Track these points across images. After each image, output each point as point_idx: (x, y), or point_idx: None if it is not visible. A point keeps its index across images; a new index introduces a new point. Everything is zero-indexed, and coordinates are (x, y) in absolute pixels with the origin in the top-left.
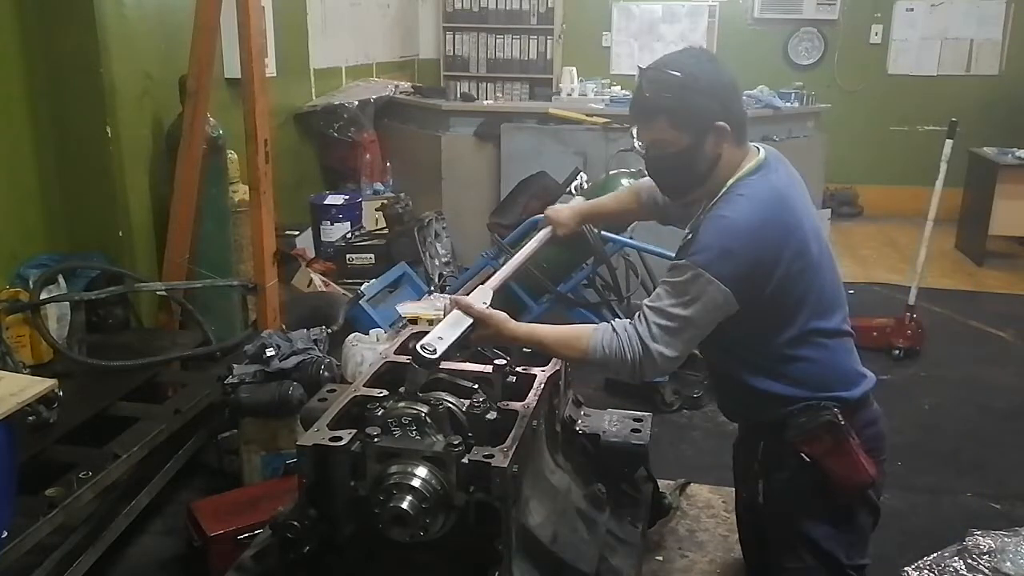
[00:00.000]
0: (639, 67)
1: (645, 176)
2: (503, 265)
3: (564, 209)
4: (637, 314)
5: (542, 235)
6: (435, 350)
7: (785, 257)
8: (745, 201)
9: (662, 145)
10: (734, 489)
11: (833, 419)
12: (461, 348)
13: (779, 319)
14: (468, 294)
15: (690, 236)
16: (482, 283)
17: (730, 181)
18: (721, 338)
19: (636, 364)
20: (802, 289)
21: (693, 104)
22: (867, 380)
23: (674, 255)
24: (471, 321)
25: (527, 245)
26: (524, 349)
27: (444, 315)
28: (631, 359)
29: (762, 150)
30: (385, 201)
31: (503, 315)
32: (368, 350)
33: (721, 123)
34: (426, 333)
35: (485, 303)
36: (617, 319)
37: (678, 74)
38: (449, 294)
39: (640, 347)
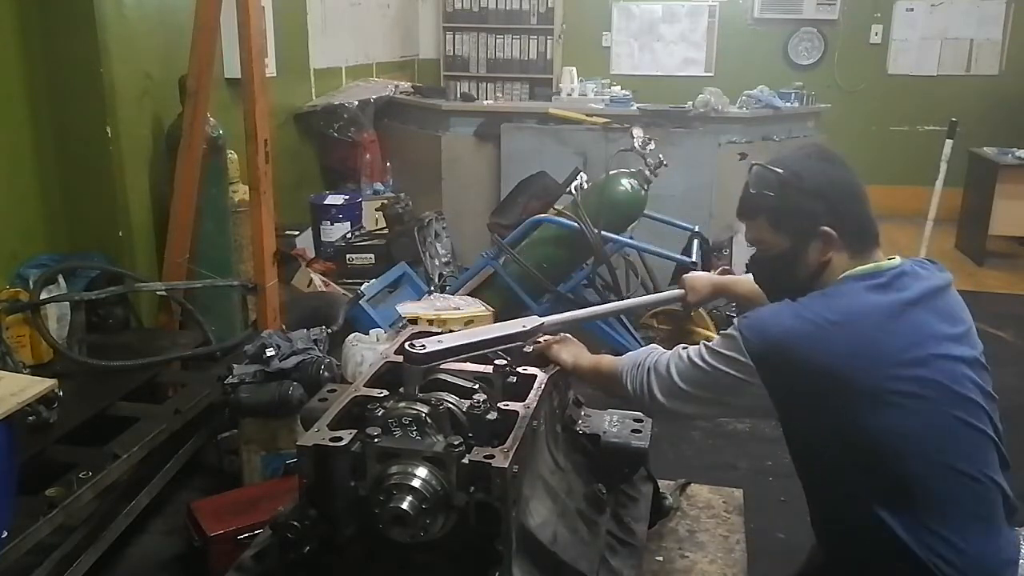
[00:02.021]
0: (743, 154)
1: (645, 179)
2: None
3: (699, 278)
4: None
5: (671, 294)
6: (424, 347)
7: (851, 379)
8: (819, 301)
9: (763, 246)
10: (739, 490)
11: None
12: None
13: (873, 472)
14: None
15: None
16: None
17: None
18: (825, 475)
19: (648, 370)
20: (889, 431)
21: (793, 205)
22: None
23: (676, 255)
24: (491, 336)
25: (648, 296)
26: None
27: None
28: (645, 365)
29: (903, 261)
30: (385, 201)
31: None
32: (368, 350)
33: (827, 228)
34: (426, 333)
35: (524, 327)
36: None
37: (780, 171)
38: (449, 294)
39: (657, 357)
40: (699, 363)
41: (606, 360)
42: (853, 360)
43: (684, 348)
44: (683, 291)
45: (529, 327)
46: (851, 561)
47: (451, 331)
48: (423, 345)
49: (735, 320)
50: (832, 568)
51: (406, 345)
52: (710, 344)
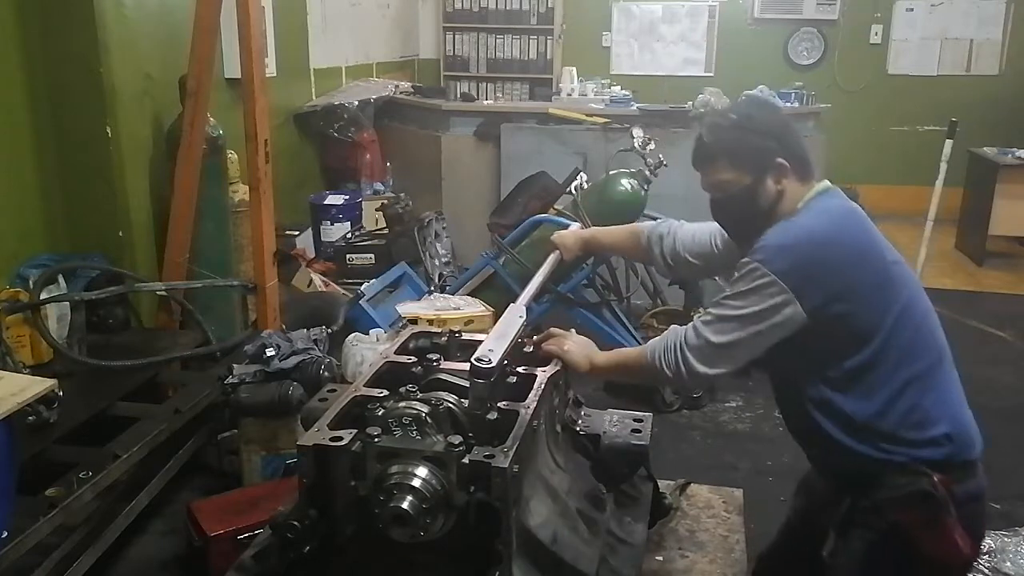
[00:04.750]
0: (698, 120)
1: (645, 179)
2: (527, 280)
3: (569, 235)
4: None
5: (552, 260)
6: (490, 360)
7: (858, 269)
8: (810, 213)
9: (725, 186)
10: (739, 490)
11: (931, 489)
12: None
13: (863, 342)
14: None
15: None
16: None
17: (798, 206)
18: (804, 373)
19: (679, 348)
20: (882, 311)
21: (750, 143)
22: (976, 441)
23: None
24: (515, 331)
25: (542, 268)
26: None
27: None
28: (674, 344)
29: (831, 184)
30: (385, 201)
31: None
32: (368, 350)
33: (780, 160)
34: (426, 332)
35: (521, 317)
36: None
37: (733, 116)
38: (449, 294)
39: (683, 333)
40: (729, 312)
41: (627, 354)
42: (862, 250)
43: (700, 313)
44: (558, 252)
45: (524, 314)
46: (836, 456)
47: (453, 332)
48: (488, 360)
49: (744, 259)
50: (823, 471)
51: (472, 360)
52: (728, 294)
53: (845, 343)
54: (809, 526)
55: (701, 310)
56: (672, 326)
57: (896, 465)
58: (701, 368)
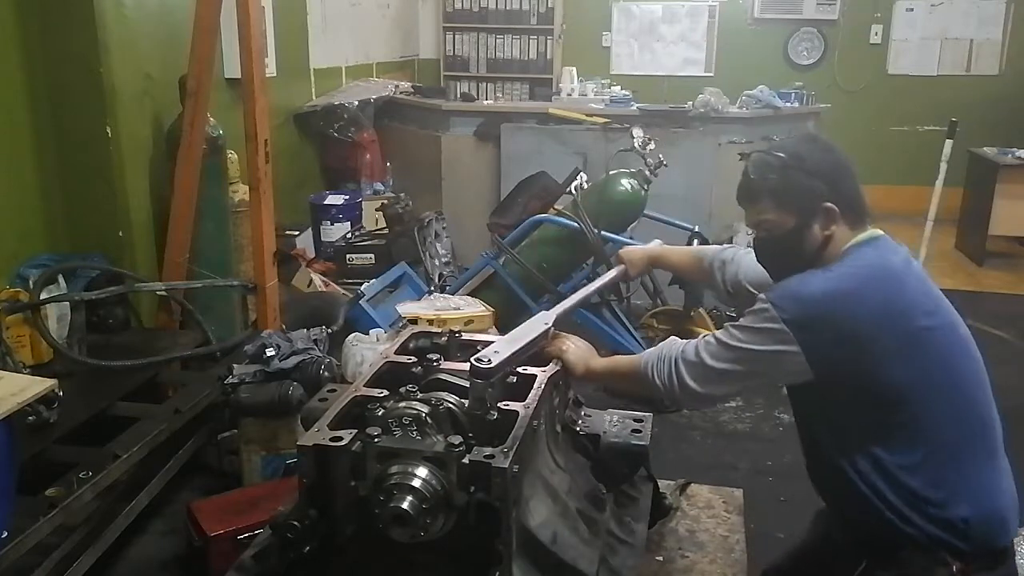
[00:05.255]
0: (744, 152)
1: (645, 179)
2: (570, 291)
3: (637, 250)
4: None
5: (615, 272)
6: (490, 361)
7: (876, 332)
8: (842, 266)
9: (768, 227)
10: (739, 490)
11: None
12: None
13: (883, 404)
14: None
15: None
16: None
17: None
18: (826, 425)
19: (675, 360)
20: (905, 376)
21: (798, 184)
22: (1008, 528)
23: None
24: (530, 338)
25: (599, 279)
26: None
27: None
28: (670, 356)
29: (881, 232)
30: (385, 201)
31: (585, 355)
32: (368, 350)
33: (829, 204)
34: (426, 332)
35: (546, 324)
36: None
37: (782, 155)
38: (449, 294)
39: (681, 346)
40: (731, 342)
41: (622, 361)
42: (885, 313)
43: (708, 334)
44: (623, 267)
45: (550, 322)
46: (854, 510)
47: (453, 332)
48: (488, 360)
49: (760, 296)
50: (838, 523)
51: (472, 360)
52: (737, 323)
53: (863, 403)
54: (822, 558)
55: (701, 311)
56: (671, 337)
57: (915, 543)
58: (692, 384)
